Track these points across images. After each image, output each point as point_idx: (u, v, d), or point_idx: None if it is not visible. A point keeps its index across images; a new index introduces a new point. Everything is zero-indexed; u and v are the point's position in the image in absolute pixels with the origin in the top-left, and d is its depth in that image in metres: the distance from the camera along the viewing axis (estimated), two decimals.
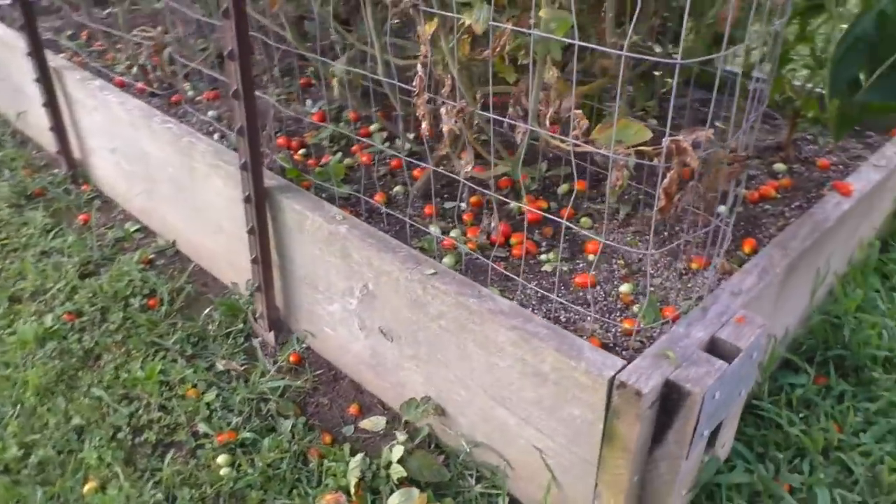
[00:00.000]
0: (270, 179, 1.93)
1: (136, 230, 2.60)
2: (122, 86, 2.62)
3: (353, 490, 1.60)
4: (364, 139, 2.20)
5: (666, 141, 1.17)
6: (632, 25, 1.09)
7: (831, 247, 1.87)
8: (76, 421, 1.84)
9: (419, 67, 1.41)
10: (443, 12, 1.33)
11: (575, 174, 1.32)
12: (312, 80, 2.66)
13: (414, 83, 1.43)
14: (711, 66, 1.90)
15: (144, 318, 2.15)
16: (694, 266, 1.67)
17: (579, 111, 1.25)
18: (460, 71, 1.39)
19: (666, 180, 1.20)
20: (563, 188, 2.00)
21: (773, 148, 2.19)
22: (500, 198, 1.54)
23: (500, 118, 1.35)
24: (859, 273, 2.08)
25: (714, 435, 1.46)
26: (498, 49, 1.27)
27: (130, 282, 2.29)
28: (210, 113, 2.42)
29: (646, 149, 1.17)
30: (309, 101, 2.52)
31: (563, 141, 1.26)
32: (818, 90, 2.13)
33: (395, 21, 1.52)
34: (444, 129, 1.48)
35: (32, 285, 2.32)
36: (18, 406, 1.89)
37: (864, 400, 1.78)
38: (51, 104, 2.76)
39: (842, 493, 1.55)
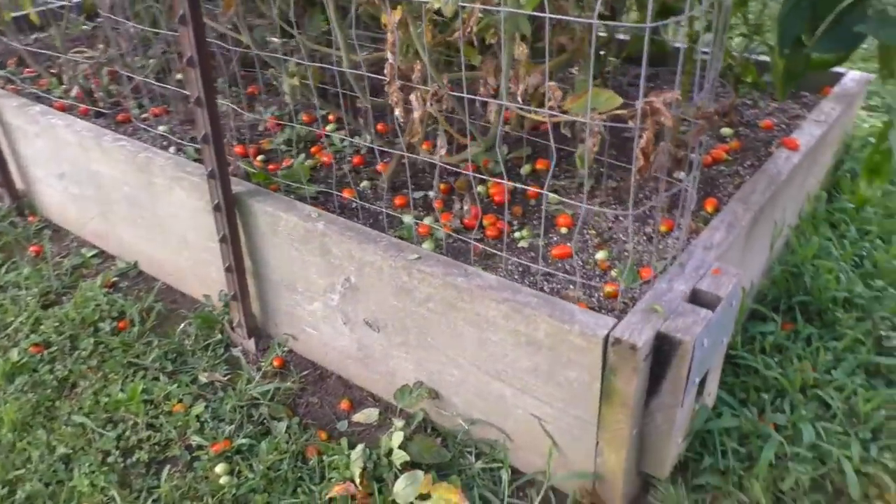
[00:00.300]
0: (237, 185, 1.92)
1: (94, 255, 2.54)
2: (63, 109, 2.56)
3: (357, 480, 1.61)
4: (330, 134, 2.21)
5: (640, 103, 1.22)
6: None
7: (785, 199, 1.98)
8: (61, 450, 1.79)
9: (388, 55, 1.43)
10: None
11: (553, 153, 1.36)
12: (263, 85, 2.65)
13: (385, 71, 1.46)
14: (658, 35, 1.99)
15: (117, 340, 2.11)
16: (663, 229, 1.75)
17: (553, 83, 1.29)
18: (430, 56, 1.42)
19: (642, 140, 1.25)
20: (525, 168, 2.05)
21: (717, 114, 2.29)
22: (479, 175, 1.57)
23: (474, 97, 1.39)
24: (810, 224, 2.20)
25: (701, 384, 1.53)
26: (468, 31, 1.31)
27: (97, 306, 2.24)
28: (161, 128, 2.39)
29: (621, 112, 1.22)
30: (260, 109, 2.51)
31: (537, 113, 1.30)
32: (754, 56, 2.24)
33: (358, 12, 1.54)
34: (416, 115, 1.51)
35: None
36: None
37: (830, 339, 1.88)
38: None
39: (824, 425, 1.64)
